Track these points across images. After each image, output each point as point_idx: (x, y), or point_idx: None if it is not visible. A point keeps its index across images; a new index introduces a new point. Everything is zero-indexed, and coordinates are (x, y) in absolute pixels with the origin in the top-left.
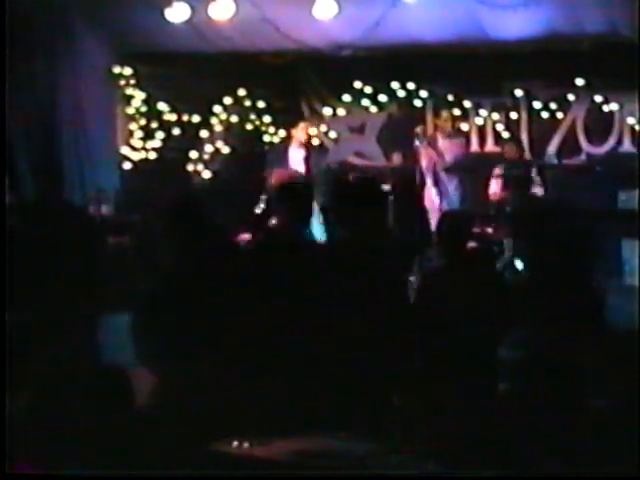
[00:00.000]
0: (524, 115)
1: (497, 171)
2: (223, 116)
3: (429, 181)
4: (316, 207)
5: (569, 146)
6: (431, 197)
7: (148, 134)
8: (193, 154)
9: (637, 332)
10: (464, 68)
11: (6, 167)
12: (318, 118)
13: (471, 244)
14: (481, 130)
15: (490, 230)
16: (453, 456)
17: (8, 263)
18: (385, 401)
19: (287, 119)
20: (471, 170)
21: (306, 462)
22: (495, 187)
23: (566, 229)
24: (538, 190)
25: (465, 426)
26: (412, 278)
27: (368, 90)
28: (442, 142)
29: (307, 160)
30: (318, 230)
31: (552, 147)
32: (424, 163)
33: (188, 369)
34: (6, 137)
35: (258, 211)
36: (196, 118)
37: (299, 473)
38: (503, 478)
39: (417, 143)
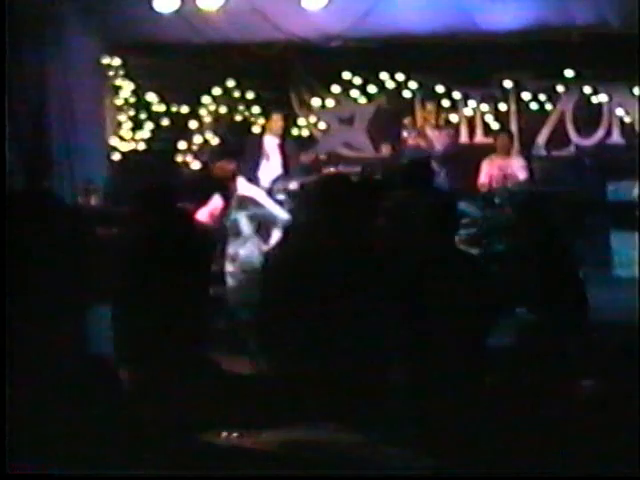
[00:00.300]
0: (513, 106)
1: (486, 162)
2: (212, 107)
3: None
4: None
5: (558, 137)
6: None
7: (137, 125)
8: (182, 145)
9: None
10: (453, 59)
11: (6, 164)
12: (307, 109)
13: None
14: (470, 121)
15: (479, 221)
16: (442, 450)
17: None
18: (373, 392)
19: (276, 110)
20: (460, 161)
21: (294, 453)
22: (484, 178)
23: (554, 220)
24: (527, 181)
25: (455, 420)
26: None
27: (357, 81)
28: (431, 133)
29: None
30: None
31: (541, 138)
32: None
33: (168, 361)
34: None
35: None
36: (185, 109)
37: (297, 472)
38: (503, 478)
39: (405, 134)
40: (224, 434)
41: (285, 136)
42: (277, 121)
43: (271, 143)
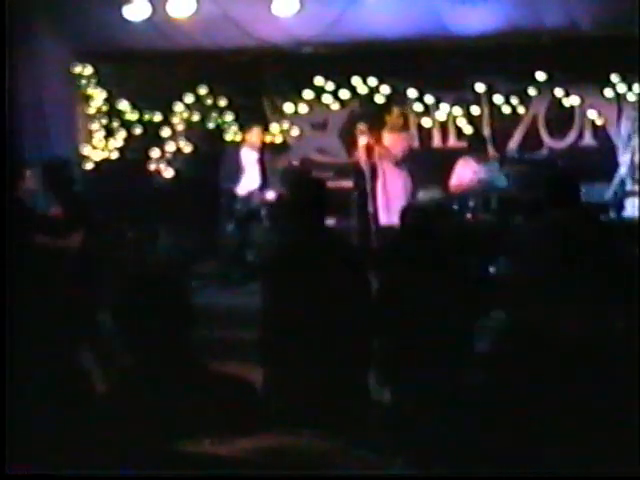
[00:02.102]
0: (486, 110)
1: (456, 165)
2: (185, 114)
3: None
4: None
5: (531, 140)
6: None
7: (109, 133)
8: (155, 153)
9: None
10: (425, 63)
11: (6, 167)
12: (280, 115)
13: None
14: (443, 125)
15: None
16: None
17: None
18: (349, 398)
19: (249, 117)
20: (425, 164)
21: (270, 460)
22: (454, 180)
23: (527, 222)
24: (499, 184)
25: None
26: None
27: (330, 87)
28: (396, 136)
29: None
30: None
31: (514, 141)
32: (375, 159)
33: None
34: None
35: None
36: (158, 117)
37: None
38: (503, 478)
39: (362, 141)
40: (199, 441)
41: (263, 148)
42: (256, 133)
43: (249, 155)
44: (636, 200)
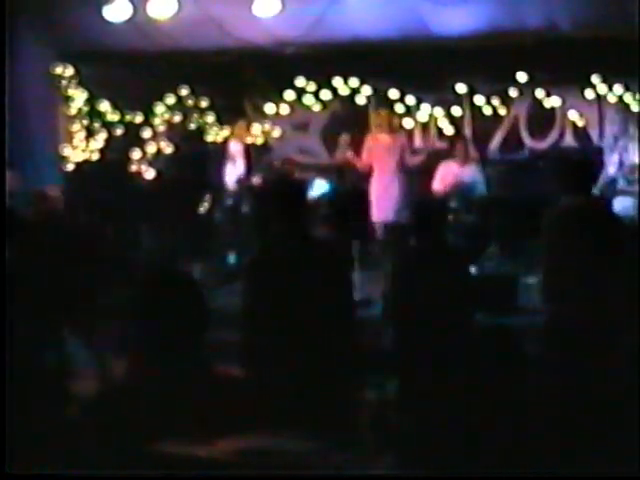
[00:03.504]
0: (467, 111)
1: (440, 167)
2: (166, 115)
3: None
4: None
5: (512, 141)
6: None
7: (90, 134)
8: (136, 154)
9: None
10: (406, 64)
11: (5, 166)
12: (261, 116)
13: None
14: (424, 126)
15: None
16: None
17: None
18: (328, 399)
19: (230, 118)
20: (410, 167)
21: (247, 461)
22: (437, 183)
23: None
24: (480, 185)
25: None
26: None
27: (311, 87)
28: (382, 138)
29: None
30: None
31: (495, 142)
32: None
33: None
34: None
35: None
36: (139, 118)
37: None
38: (503, 478)
39: (341, 152)
40: (178, 442)
41: (246, 148)
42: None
43: (231, 155)
44: (628, 199)
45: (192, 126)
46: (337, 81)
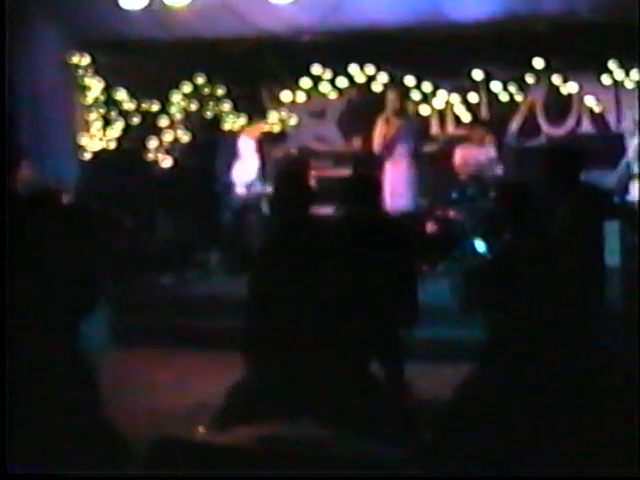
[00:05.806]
0: (484, 97)
1: (457, 153)
2: (182, 104)
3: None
4: None
5: (529, 127)
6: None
7: (107, 123)
8: (152, 142)
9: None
10: (423, 51)
11: (6, 163)
12: (278, 104)
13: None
14: (441, 113)
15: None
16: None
17: None
18: (349, 388)
19: (247, 106)
20: (430, 153)
21: (268, 448)
22: (456, 168)
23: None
24: (499, 171)
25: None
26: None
27: (328, 75)
28: (401, 124)
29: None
30: None
31: (512, 129)
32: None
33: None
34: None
35: None
36: (155, 106)
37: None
38: (502, 478)
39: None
40: (198, 431)
41: (261, 137)
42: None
43: (247, 144)
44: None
45: (209, 114)
46: (353, 68)
